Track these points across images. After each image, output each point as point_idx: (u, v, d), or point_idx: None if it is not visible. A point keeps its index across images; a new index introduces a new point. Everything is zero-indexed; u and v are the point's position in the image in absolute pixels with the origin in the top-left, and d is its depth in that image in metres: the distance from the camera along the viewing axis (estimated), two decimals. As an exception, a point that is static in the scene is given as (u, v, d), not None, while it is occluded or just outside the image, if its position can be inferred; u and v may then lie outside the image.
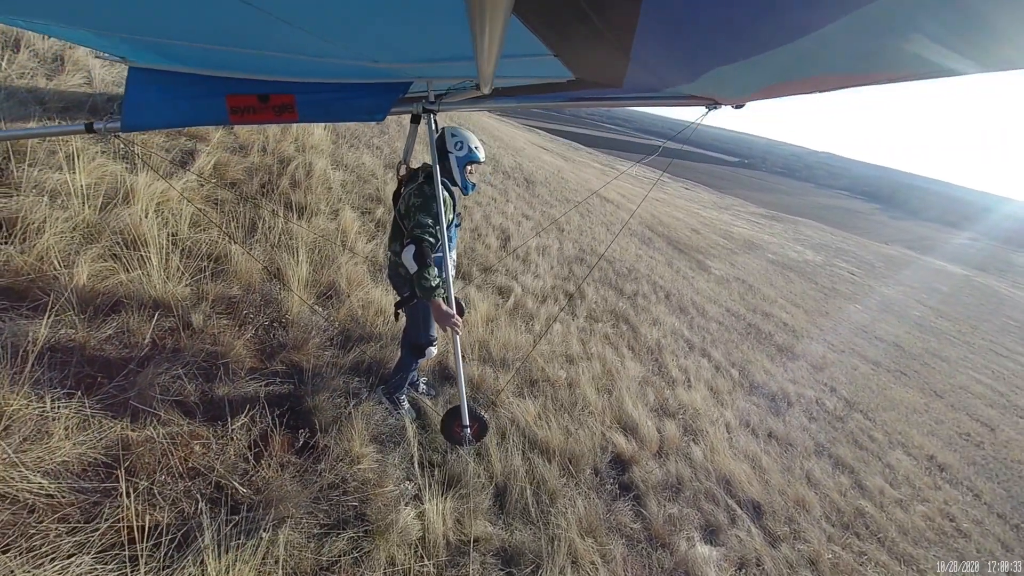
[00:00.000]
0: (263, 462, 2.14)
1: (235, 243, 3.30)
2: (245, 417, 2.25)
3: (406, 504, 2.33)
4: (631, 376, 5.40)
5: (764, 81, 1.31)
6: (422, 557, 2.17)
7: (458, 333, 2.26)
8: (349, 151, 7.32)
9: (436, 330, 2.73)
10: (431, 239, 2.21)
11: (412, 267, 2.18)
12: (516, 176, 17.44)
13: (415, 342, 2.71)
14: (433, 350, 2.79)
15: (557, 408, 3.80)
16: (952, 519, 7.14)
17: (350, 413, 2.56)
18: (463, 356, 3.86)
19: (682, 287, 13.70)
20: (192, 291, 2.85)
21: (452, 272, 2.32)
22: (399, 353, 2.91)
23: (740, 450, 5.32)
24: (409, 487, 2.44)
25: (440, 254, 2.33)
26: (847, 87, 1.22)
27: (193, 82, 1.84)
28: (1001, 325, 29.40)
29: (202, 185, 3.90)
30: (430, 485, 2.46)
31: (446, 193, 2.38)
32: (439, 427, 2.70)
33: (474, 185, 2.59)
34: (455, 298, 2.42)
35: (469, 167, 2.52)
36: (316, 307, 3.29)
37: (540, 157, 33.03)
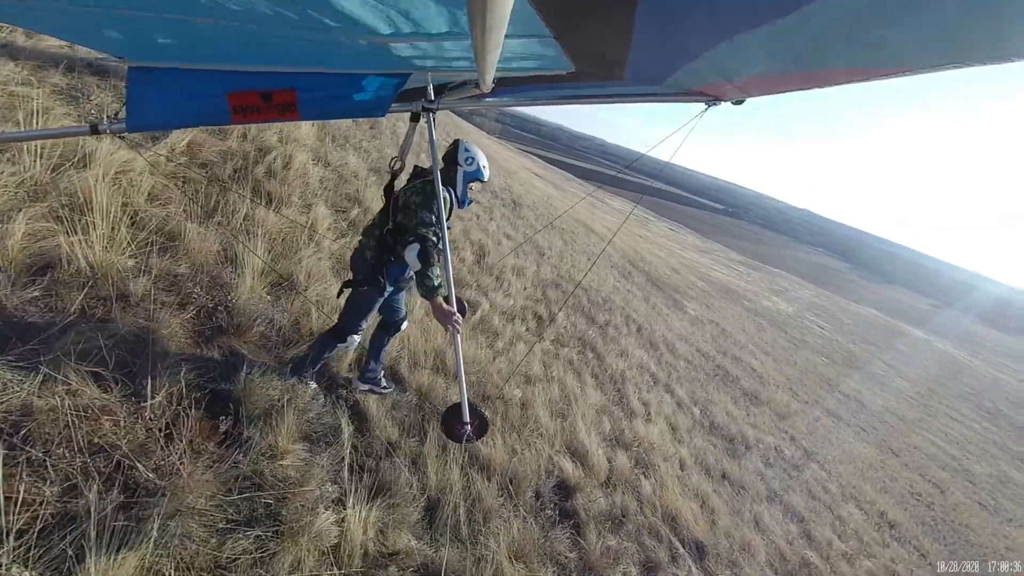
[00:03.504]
0: (175, 447, 2.01)
1: (191, 221, 3.20)
2: (163, 396, 2.12)
3: (326, 508, 2.21)
4: (590, 403, 5.36)
5: (765, 67, 1.27)
6: (333, 565, 2.05)
7: (458, 332, 2.25)
8: (335, 150, 7.28)
9: (364, 327, 2.74)
10: (434, 238, 2.23)
11: (416, 266, 2.18)
12: (504, 197, 17.57)
13: (341, 325, 2.69)
14: (356, 339, 2.75)
15: (506, 426, 3.73)
16: (896, 578, 7.17)
17: (282, 407, 2.45)
18: (418, 362, 3.78)
19: (655, 323, 13.82)
20: (137, 263, 2.73)
21: (451, 272, 2.33)
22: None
23: (691, 488, 5.28)
24: (331, 490, 2.32)
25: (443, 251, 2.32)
26: (849, 82, 1.20)
27: (193, 80, 1.79)
28: (958, 392, 30.37)
29: (170, 161, 3.80)
30: (356, 490, 2.35)
31: (446, 194, 2.40)
32: (440, 424, 2.60)
33: (471, 201, 2.66)
34: (457, 297, 2.42)
35: (473, 184, 2.59)
36: (267, 295, 3.19)
37: (531, 183, 33.46)
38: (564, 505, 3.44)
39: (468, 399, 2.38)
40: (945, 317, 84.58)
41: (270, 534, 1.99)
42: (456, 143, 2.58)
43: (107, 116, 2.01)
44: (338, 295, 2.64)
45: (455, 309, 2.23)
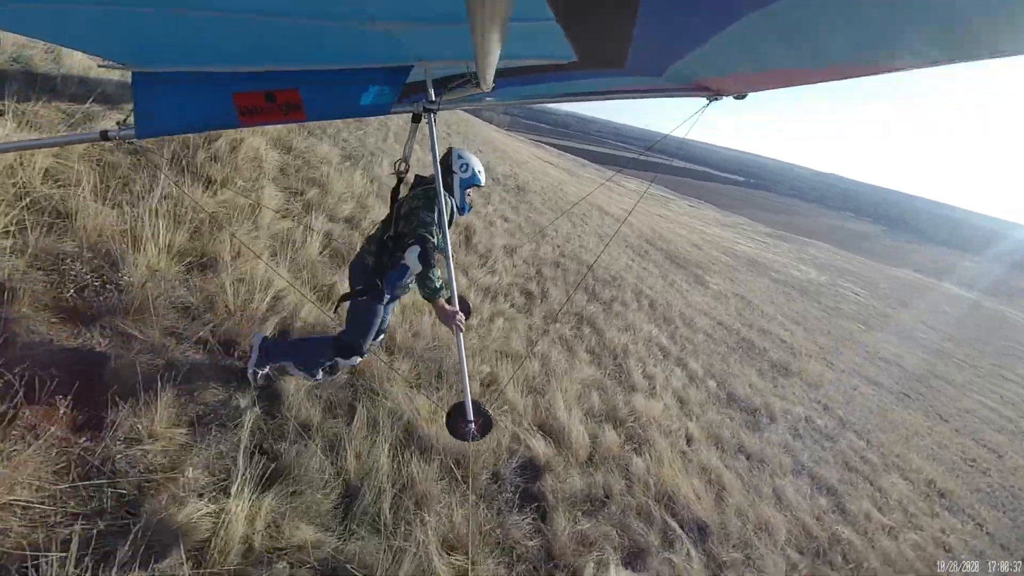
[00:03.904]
0: (5, 431, 1.71)
1: (96, 201, 2.93)
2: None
3: (199, 497, 1.88)
4: (578, 378, 4.91)
5: (766, 62, 1.31)
6: (198, 563, 1.71)
7: (462, 331, 2.23)
8: (305, 137, 7.01)
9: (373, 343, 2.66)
10: (434, 239, 2.24)
11: (417, 267, 2.20)
12: (508, 183, 17.11)
13: (348, 341, 2.54)
14: (357, 359, 2.66)
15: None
16: (948, 549, 6.47)
17: (163, 387, 2.13)
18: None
19: (672, 298, 13.16)
20: (12, 244, 2.46)
21: (452, 272, 2.28)
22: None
23: (697, 464, 4.78)
24: (200, 476, 1.98)
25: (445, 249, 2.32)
26: (849, 77, 1.24)
27: (197, 81, 1.79)
28: (1008, 349, 28.34)
29: (90, 146, 3.56)
30: (246, 477, 2.01)
31: (447, 199, 2.40)
32: (444, 423, 2.39)
33: (471, 207, 2.71)
34: (460, 297, 2.44)
35: (469, 189, 2.61)
36: (177, 273, 2.88)
37: (544, 170, 32.81)
38: (529, 488, 3.03)
39: (471, 396, 2.26)
40: (988, 272, 79.33)
41: (116, 528, 1.67)
42: (449, 151, 2.60)
43: (117, 123, 1.99)
44: (335, 308, 2.67)
45: (458, 309, 2.21)
